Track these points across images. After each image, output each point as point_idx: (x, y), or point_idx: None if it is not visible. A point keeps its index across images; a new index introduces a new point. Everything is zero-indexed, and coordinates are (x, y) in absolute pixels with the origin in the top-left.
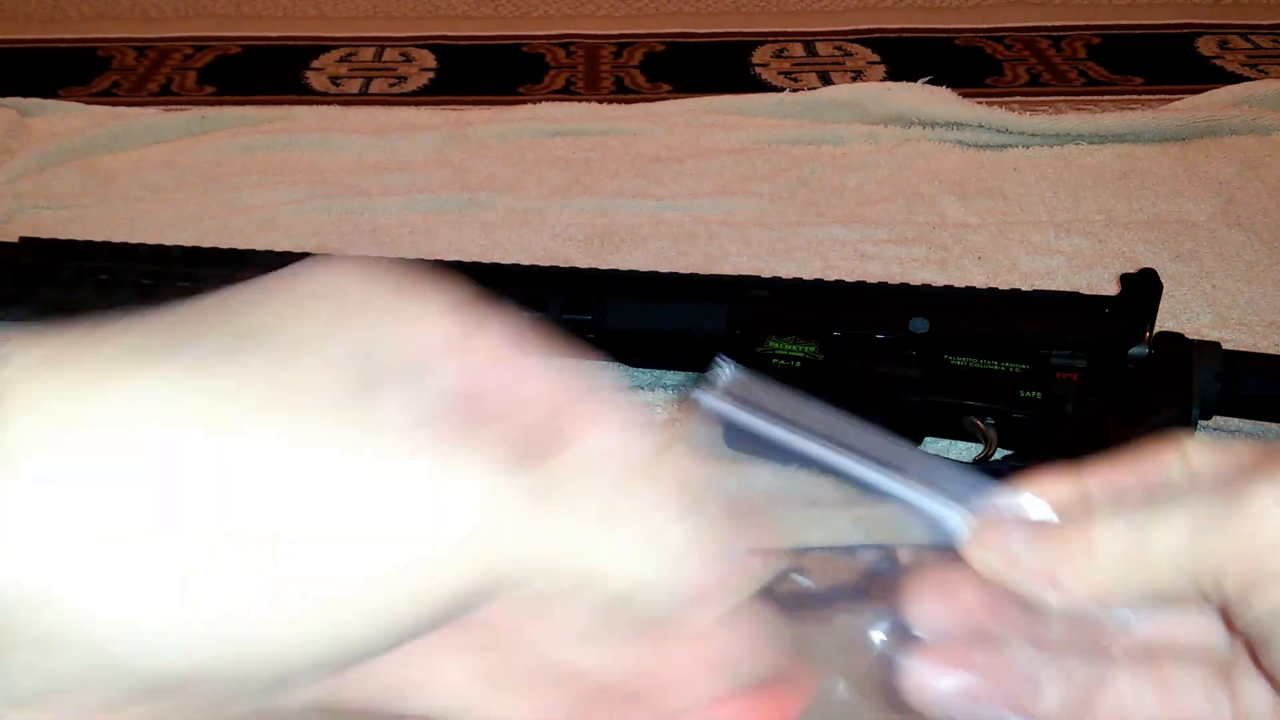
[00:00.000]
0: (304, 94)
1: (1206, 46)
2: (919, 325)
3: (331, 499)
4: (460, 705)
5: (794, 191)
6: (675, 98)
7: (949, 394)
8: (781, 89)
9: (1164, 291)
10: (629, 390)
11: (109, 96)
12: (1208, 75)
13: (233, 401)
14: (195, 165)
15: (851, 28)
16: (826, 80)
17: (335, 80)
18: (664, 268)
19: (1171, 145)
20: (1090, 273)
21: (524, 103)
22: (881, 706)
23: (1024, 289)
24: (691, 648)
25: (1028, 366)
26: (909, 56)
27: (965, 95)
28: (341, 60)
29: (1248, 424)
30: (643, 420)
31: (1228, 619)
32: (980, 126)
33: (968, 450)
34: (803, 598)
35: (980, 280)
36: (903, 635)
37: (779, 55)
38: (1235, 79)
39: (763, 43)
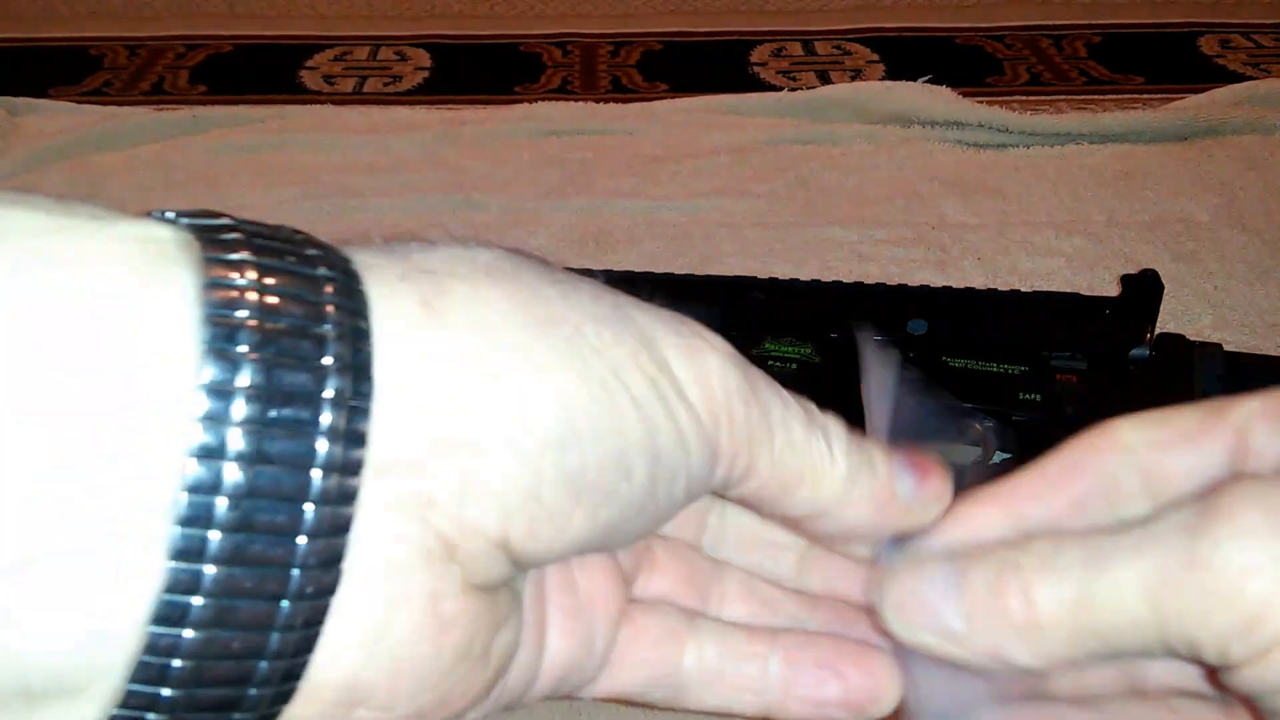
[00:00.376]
0: (298, 93)
1: (1208, 45)
2: (917, 326)
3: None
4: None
5: (792, 192)
6: (673, 97)
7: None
8: (780, 88)
9: (1165, 292)
10: None
11: (100, 96)
12: (1209, 75)
13: None
14: (187, 165)
15: (850, 27)
16: (825, 79)
17: (329, 79)
18: (660, 268)
19: (1173, 145)
20: (1091, 273)
21: (520, 102)
22: None
23: (1024, 290)
24: None
25: (1027, 368)
26: (908, 55)
27: (965, 94)
28: (336, 59)
29: None
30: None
31: (1209, 672)
32: (980, 126)
33: (967, 452)
34: None
35: (980, 281)
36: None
37: (777, 54)
38: (1237, 78)
39: (761, 42)
